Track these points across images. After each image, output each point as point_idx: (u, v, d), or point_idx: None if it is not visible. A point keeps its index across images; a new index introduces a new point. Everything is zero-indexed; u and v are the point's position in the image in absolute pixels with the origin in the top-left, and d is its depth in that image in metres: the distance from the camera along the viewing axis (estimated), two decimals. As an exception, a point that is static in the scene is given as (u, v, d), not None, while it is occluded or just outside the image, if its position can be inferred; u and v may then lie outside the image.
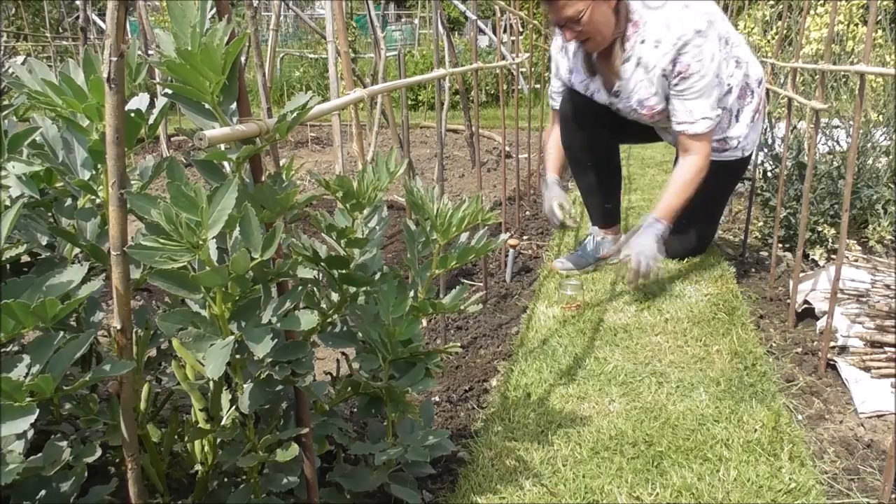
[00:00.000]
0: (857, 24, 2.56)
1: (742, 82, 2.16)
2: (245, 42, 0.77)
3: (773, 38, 2.31)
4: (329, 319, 1.05)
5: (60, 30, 6.49)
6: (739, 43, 2.16)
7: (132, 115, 0.83)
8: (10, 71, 0.89)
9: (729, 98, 2.16)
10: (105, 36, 0.68)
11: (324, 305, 1.05)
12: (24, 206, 0.84)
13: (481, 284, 2.23)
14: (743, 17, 3.29)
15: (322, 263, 1.00)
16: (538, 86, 4.04)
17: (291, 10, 3.67)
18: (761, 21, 2.42)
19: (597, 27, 1.99)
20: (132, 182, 0.91)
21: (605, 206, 2.39)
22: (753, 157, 2.41)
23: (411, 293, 1.04)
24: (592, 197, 2.38)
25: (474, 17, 2.29)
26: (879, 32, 2.54)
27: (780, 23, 2.34)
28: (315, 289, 1.04)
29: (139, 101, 0.85)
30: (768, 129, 2.66)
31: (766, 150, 2.66)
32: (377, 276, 1.03)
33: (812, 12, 2.50)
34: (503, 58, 2.58)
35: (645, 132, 2.33)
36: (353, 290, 1.04)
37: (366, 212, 1.04)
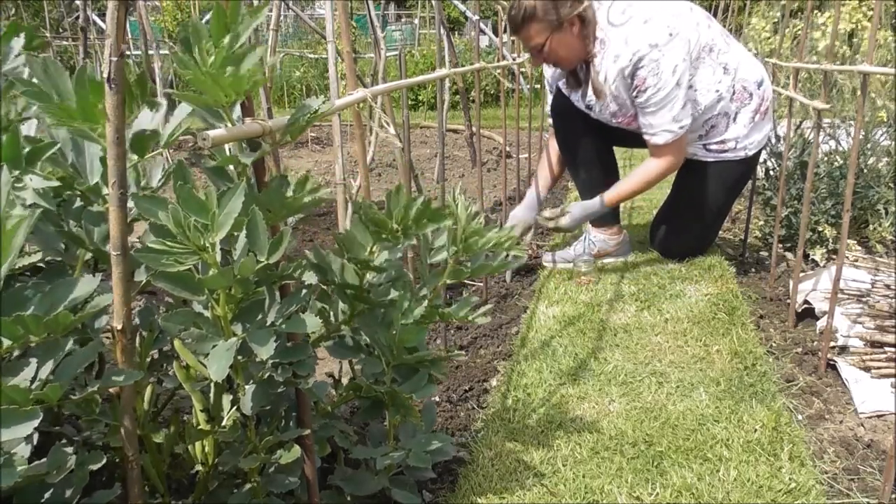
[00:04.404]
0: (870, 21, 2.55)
1: (733, 86, 2.16)
2: (267, 73, 0.77)
3: (782, 38, 2.31)
4: (337, 331, 1.05)
5: (60, 30, 6.48)
6: (728, 49, 2.16)
7: (148, 133, 0.82)
8: (21, 69, 0.87)
9: (720, 103, 2.17)
10: (105, 36, 0.68)
11: (333, 319, 1.04)
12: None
13: (481, 284, 2.23)
14: (755, 15, 3.27)
15: (335, 284, 0.99)
16: (538, 86, 4.05)
17: (291, 10, 3.67)
18: (772, 21, 2.41)
19: (559, 53, 2.13)
20: (149, 187, 0.91)
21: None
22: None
23: (424, 304, 1.03)
24: (588, 194, 2.39)
25: (475, 18, 2.30)
26: (882, 32, 2.54)
27: (789, 24, 2.33)
28: (326, 306, 1.03)
29: (150, 118, 0.85)
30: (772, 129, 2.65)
31: (768, 149, 2.66)
32: (389, 289, 1.02)
33: (827, 12, 2.50)
34: (504, 58, 2.58)
35: (636, 136, 2.34)
36: (363, 305, 1.03)
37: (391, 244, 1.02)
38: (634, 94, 2.09)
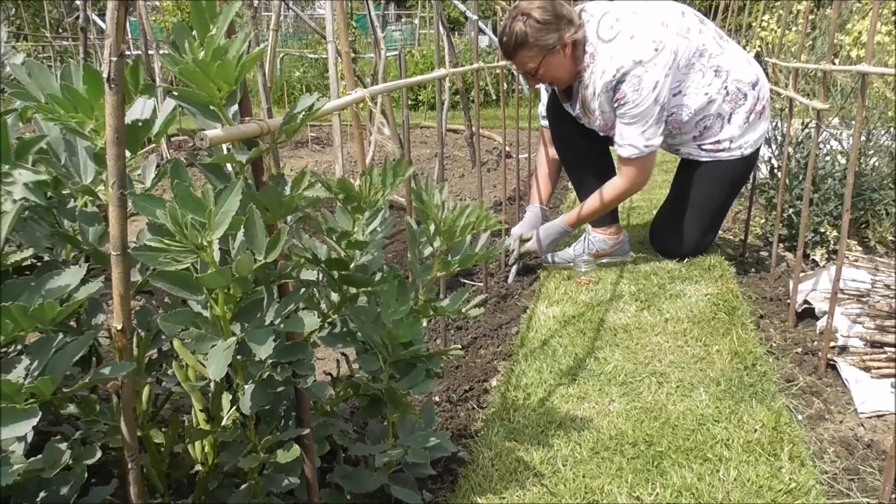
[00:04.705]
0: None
1: (726, 88, 2.18)
2: (258, 58, 0.77)
3: (782, 37, 2.30)
4: (329, 320, 1.05)
5: (60, 30, 6.48)
6: (721, 52, 2.18)
7: (139, 124, 0.82)
8: (10, 74, 0.87)
9: (712, 106, 2.19)
10: (105, 36, 0.68)
11: (323, 306, 1.04)
12: (27, 209, 0.84)
13: (481, 284, 2.23)
14: (765, 10, 3.25)
15: (322, 265, 1.00)
16: (539, 85, 4.05)
17: (291, 10, 3.67)
18: (784, 20, 2.40)
19: (553, 75, 2.17)
20: (139, 184, 0.91)
21: None
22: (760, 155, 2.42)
23: (412, 295, 1.04)
24: (586, 195, 2.40)
25: (475, 18, 2.30)
26: (881, 36, 2.53)
27: (785, 21, 2.33)
28: (315, 290, 1.04)
29: (142, 108, 0.85)
30: (774, 128, 2.65)
31: (773, 148, 2.65)
32: (377, 277, 1.03)
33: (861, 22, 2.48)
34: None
35: None
36: (353, 290, 1.04)
37: (367, 214, 1.04)
38: (616, 104, 2.14)
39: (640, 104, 2.08)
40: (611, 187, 2.28)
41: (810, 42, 2.52)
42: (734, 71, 2.18)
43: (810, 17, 2.30)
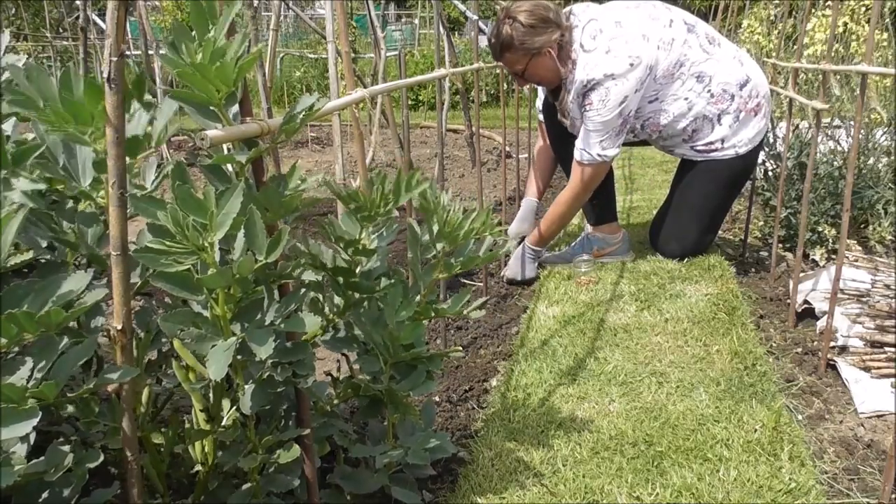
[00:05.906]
0: (859, 24, 2.55)
1: (710, 91, 2.20)
2: (257, 59, 0.77)
3: (775, 39, 2.31)
4: (332, 324, 1.05)
5: (60, 30, 6.48)
6: (708, 57, 2.20)
7: (138, 137, 0.83)
8: (10, 78, 0.87)
9: (694, 109, 2.22)
10: (105, 36, 0.68)
11: (327, 311, 1.04)
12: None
13: (482, 285, 2.23)
14: (747, 16, 3.27)
15: (328, 271, 1.00)
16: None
17: (291, 10, 3.67)
18: (766, 20, 2.40)
19: (540, 76, 2.22)
20: (141, 186, 0.91)
21: (591, 202, 2.42)
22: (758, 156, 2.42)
23: (416, 298, 1.04)
24: None
25: (475, 18, 2.30)
26: (884, 35, 2.53)
27: (781, 24, 2.33)
28: (320, 295, 1.04)
29: (139, 118, 0.85)
30: (769, 129, 2.65)
31: (766, 150, 2.66)
32: (382, 283, 1.03)
33: (820, 13, 2.50)
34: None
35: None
36: (357, 295, 1.04)
37: (377, 222, 1.03)
38: (582, 110, 2.19)
39: (603, 114, 2.13)
40: (559, 201, 2.33)
41: (774, 40, 2.52)
42: (719, 74, 2.19)
43: (781, 24, 2.32)
